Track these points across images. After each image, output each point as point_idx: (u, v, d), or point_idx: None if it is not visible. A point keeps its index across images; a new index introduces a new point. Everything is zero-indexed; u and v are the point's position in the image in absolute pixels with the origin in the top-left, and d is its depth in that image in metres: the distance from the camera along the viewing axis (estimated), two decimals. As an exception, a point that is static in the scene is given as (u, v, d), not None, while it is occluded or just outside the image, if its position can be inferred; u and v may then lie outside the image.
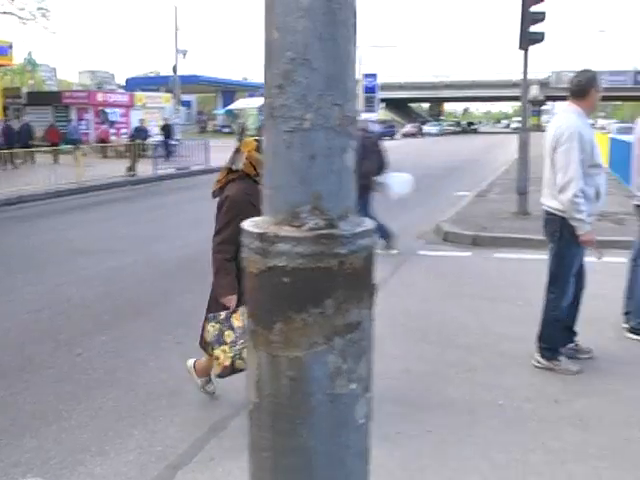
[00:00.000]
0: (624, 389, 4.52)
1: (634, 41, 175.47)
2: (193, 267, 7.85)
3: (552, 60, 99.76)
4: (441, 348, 5.30)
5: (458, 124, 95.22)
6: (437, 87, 78.48)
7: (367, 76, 71.27)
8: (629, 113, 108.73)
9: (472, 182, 17.70)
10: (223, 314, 3.92)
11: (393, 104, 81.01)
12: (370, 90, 70.86)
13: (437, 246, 9.45)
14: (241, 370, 3.78)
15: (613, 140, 20.01)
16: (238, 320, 3.86)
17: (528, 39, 11.03)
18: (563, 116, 4.73)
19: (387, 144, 12.13)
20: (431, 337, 5.55)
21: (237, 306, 3.89)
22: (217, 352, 3.90)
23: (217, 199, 4.06)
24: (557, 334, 4.87)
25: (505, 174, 18.93)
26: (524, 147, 11.76)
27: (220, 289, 3.97)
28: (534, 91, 71.56)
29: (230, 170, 4.07)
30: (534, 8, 10.88)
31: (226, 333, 3.89)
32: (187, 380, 4.49)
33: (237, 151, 4.05)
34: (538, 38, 11.05)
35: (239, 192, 3.92)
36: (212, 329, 3.91)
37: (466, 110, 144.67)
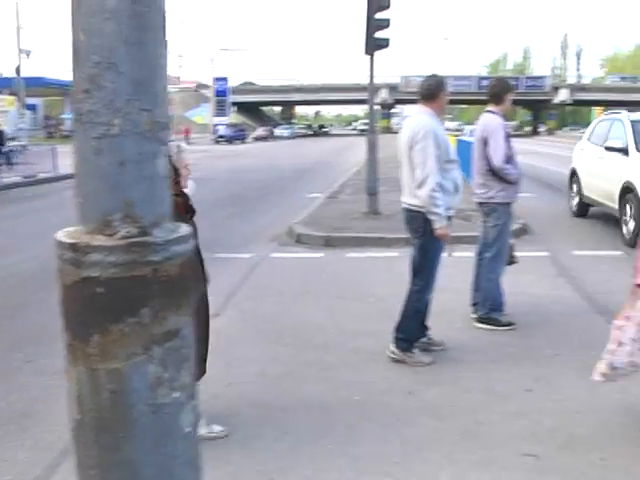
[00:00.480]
0: (473, 376, 4.74)
1: (476, 48, 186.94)
2: (43, 280, 7.36)
3: (401, 65, 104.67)
4: (296, 349, 5.31)
5: (310, 127, 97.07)
6: (289, 90, 79.52)
7: (218, 80, 70.94)
8: (474, 115, 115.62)
9: (324, 184, 18.03)
10: None
11: (245, 108, 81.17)
12: (221, 94, 70.54)
13: (290, 248, 9.50)
14: None
15: (459, 141, 21.21)
16: None
17: (374, 45, 11.39)
18: (417, 117, 4.98)
19: (238, 148, 12.03)
20: (286, 339, 5.54)
21: None
22: None
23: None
24: (415, 326, 5.05)
25: (356, 175, 19.44)
26: (372, 149, 12.11)
27: None
28: (384, 95, 74.60)
29: None
30: (379, 15, 11.26)
31: None
32: (39, 400, 4.19)
33: None
34: (383, 44, 11.46)
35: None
36: None
37: (317, 113, 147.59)
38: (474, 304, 5.96)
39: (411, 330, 5.03)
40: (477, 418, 4.08)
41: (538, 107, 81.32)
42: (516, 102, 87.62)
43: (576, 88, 75.65)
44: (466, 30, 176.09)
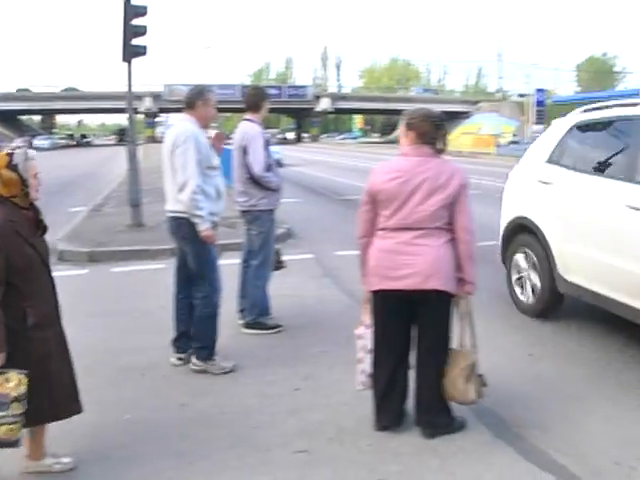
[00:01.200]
0: (244, 381, 4.84)
1: (239, 57, 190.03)
2: None
3: (167, 73, 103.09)
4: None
5: (71, 137, 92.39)
6: (49, 98, 74.76)
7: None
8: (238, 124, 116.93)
9: (87, 196, 17.31)
10: None
11: (1, 117, 74.94)
12: (-34, 102, 64.50)
13: (53, 267, 8.93)
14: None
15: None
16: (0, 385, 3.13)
17: (131, 52, 11.14)
18: (179, 124, 4.99)
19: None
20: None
21: (2, 367, 3.16)
22: None
23: None
24: (212, 332, 5.00)
25: (120, 186, 18.85)
26: (133, 159, 11.84)
27: None
28: (148, 103, 73.00)
29: None
30: (135, 22, 11.03)
31: None
32: None
33: None
34: (141, 51, 11.25)
35: (1, 220, 3.25)
36: None
37: (80, 122, 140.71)
38: (241, 310, 6.07)
39: (208, 337, 5.00)
40: (250, 422, 4.16)
41: (301, 115, 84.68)
42: (280, 110, 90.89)
43: (337, 97, 79.97)
44: (229, 39, 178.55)
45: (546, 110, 56.17)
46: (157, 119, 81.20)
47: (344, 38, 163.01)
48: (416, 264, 3.75)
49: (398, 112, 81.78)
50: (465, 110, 76.20)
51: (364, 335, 4.06)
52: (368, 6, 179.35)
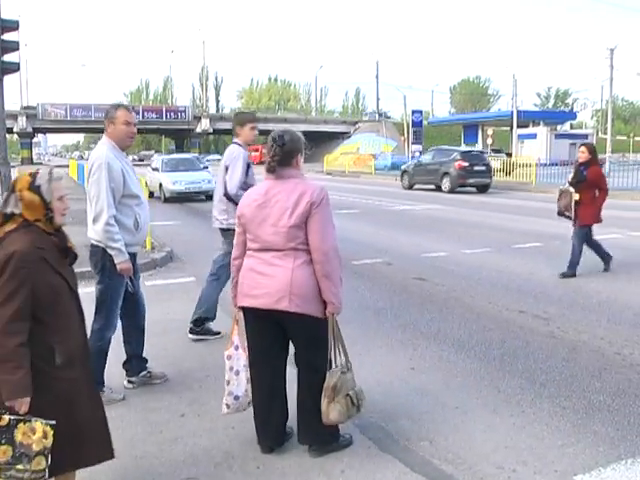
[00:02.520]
0: (128, 410, 4.72)
1: (117, 76, 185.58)
2: None
3: (40, 92, 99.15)
4: None
5: None
6: None
7: None
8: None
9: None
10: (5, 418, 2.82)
11: None
12: None
13: None
14: None
15: (80, 166, 21.52)
16: (23, 435, 2.80)
17: (2, 68, 10.70)
18: (96, 148, 4.86)
19: None
20: None
21: (27, 413, 2.84)
22: None
23: None
24: (101, 365, 4.82)
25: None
26: (7, 181, 11.36)
27: (7, 388, 2.82)
28: (22, 123, 69.75)
29: (4, 216, 2.97)
30: (6, 36, 10.61)
31: (1, 448, 2.79)
32: None
33: (12, 190, 3.02)
34: (13, 67, 10.85)
35: (28, 246, 2.92)
36: None
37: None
38: (194, 321, 6.37)
39: (98, 370, 4.76)
40: (135, 453, 4.06)
41: (182, 136, 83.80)
42: (160, 131, 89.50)
43: (216, 118, 79.79)
44: (106, 57, 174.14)
45: (423, 130, 58.47)
46: (35, 139, 77.96)
47: (223, 58, 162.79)
48: (270, 285, 3.78)
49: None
50: (345, 130, 78.10)
51: (232, 356, 4.08)
52: (247, 26, 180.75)
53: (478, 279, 9.04)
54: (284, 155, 3.85)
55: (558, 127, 62.66)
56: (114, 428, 4.35)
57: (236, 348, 4.08)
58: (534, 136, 57.45)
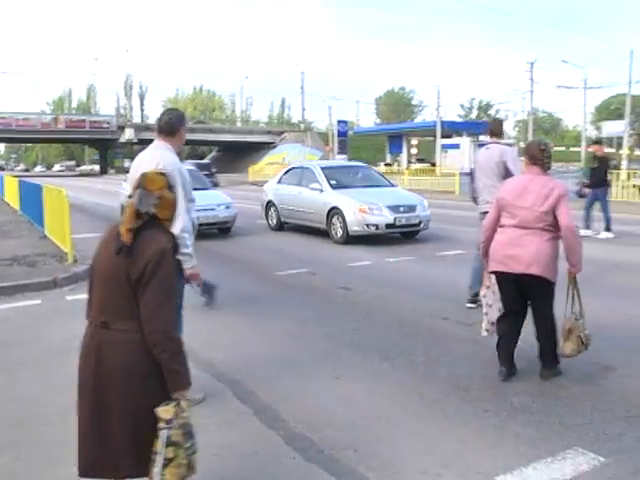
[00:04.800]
0: None
1: (39, 84, 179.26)
2: None
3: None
4: None
5: None
6: None
7: None
8: (43, 154, 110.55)
9: None
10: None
11: None
12: None
13: None
14: None
15: (22, 183, 20.24)
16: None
17: None
18: (162, 154, 4.74)
19: None
20: None
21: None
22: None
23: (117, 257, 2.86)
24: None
25: None
26: None
27: (182, 378, 2.91)
28: None
29: (138, 214, 2.90)
30: None
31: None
32: None
33: (141, 188, 2.94)
34: None
35: (169, 245, 2.94)
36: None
37: None
38: None
39: None
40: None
41: (105, 146, 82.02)
42: (83, 141, 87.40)
43: (141, 127, 78.30)
44: (27, 64, 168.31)
45: (348, 140, 59.04)
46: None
47: (148, 67, 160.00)
48: None
49: (204, 143, 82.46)
50: (270, 141, 78.08)
51: (486, 294, 5.70)
52: (173, 35, 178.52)
53: (402, 287, 9.18)
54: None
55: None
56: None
57: (486, 288, 5.68)
58: (457, 146, 58.90)
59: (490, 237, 5.47)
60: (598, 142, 15.79)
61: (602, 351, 5.72)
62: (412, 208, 13.90)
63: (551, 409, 4.77)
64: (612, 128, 67.85)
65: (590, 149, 22.67)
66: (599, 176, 14.61)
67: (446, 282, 9.41)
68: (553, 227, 5.14)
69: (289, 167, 17.73)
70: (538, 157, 5.31)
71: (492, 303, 5.66)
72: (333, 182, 14.80)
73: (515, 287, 5.31)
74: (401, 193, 15.34)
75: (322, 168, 15.53)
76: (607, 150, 17.83)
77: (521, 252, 5.14)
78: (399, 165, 62.22)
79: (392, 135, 68.75)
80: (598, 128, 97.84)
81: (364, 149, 67.92)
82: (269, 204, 16.90)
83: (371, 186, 15.11)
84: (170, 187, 3.04)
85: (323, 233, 14.42)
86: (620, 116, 65.74)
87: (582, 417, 4.62)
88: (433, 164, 47.49)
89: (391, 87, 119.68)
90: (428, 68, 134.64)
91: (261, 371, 5.67)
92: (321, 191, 14.64)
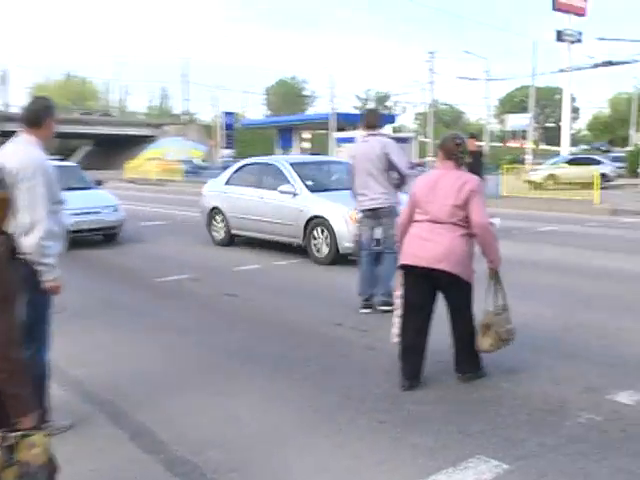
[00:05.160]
0: None
1: None
2: None
3: None
4: None
5: None
6: None
7: None
8: None
9: None
10: None
11: None
12: None
13: None
14: None
15: None
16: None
17: None
18: (25, 150, 4.41)
19: None
20: None
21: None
22: None
23: None
24: (47, 393, 4.45)
25: None
26: None
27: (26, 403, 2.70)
28: None
29: None
30: None
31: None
32: None
33: None
34: None
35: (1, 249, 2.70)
36: None
37: None
38: None
39: (43, 399, 4.33)
40: None
41: (-41, 139, 78.09)
42: None
43: (4, 118, 75.06)
44: None
45: (235, 133, 58.72)
46: None
47: (12, 52, 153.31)
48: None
49: (76, 136, 79.82)
50: (150, 134, 76.64)
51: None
52: (40, 16, 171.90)
53: (292, 292, 9.18)
54: None
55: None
56: None
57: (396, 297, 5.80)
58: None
59: (404, 233, 5.56)
60: (473, 136, 16.32)
61: (505, 353, 5.86)
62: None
63: (452, 417, 4.85)
64: (516, 121, 70.69)
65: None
66: (473, 171, 15.07)
67: (339, 286, 9.47)
68: (466, 223, 5.29)
69: (242, 163, 14.52)
70: (453, 152, 5.50)
71: None
72: (309, 183, 12.28)
73: (424, 282, 5.38)
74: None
75: (292, 164, 12.82)
76: (478, 144, 18.43)
77: (432, 246, 5.25)
78: (291, 160, 62.07)
79: (282, 128, 68.80)
80: (502, 121, 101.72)
81: (252, 143, 67.63)
82: (213, 211, 13.96)
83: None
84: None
85: (206, 235, 14.22)
86: (524, 109, 68.51)
87: (484, 424, 4.72)
88: (328, 159, 47.77)
89: (283, 76, 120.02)
90: (321, 56, 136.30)
91: (137, 389, 5.49)
92: (294, 195, 12.01)
